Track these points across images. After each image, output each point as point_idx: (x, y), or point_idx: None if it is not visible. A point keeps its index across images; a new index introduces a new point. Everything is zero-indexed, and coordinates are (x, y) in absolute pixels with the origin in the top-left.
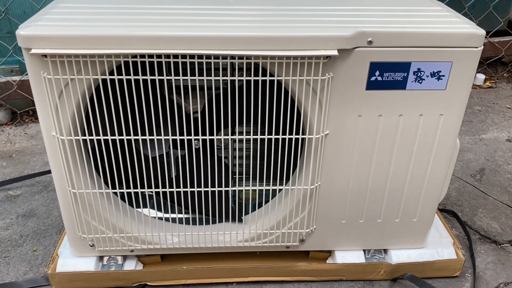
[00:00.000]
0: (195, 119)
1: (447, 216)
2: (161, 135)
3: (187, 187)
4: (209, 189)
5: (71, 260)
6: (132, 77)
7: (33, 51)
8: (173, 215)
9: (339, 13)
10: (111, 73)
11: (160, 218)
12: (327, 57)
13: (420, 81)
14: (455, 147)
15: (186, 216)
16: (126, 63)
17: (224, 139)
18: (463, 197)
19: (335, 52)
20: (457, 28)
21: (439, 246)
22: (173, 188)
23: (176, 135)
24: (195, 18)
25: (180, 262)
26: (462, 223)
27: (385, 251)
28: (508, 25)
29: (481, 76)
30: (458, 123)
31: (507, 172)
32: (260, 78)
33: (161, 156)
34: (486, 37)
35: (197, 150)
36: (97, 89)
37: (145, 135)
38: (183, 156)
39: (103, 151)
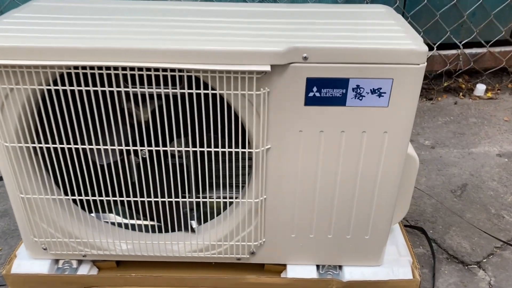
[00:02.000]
0: (141, 129)
1: (418, 233)
2: (108, 144)
3: (137, 196)
4: (152, 199)
5: (27, 261)
6: (67, 87)
7: None
8: (126, 221)
9: (278, 26)
10: (55, 83)
11: (114, 224)
12: (262, 72)
13: (360, 98)
14: (412, 164)
15: (139, 222)
16: (69, 73)
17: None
18: (438, 213)
19: (267, 68)
20: (397, 44)
21: (395, 265)
22: (118, 196)
23: (124, 143)
24: (132, 30)
25: (135, 269)
26: (430, 241)
27: (340, 267)
28: (511, 34)
29: (482, 87)
30: (405, 141)
31: (490, 189)
32: (194, 91)
33: (115, 162)
34: (486, 47)
35: (148, 159)
36: (49, 96)
37: (92, 144)
38: (137, 165)
39: (52, 157)
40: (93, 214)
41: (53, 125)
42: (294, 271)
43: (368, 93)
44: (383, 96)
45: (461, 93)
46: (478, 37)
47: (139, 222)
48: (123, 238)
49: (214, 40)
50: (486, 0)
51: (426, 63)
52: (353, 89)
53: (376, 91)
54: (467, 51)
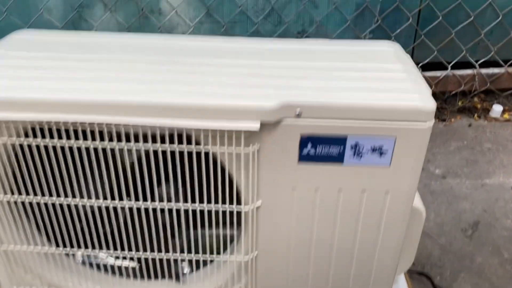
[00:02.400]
0: (119, 181)
1: (424, 279)
2: (85, 197)
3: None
4: (134, 253)
5: None
6: (40, 141)
7: None
8: (107, 261)
9: (270, 73)
10: (28, 134)
11: (90, 264)
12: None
13: (360, 156)
14: (418, 216)
15: (118, 263)
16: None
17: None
18: (446, 256)
19: (256, 126)
20: (401, 100)
21: None
22: (98, 248)
23: (102, 196)
24: (108, 76)
25: None
26: None
27: None
28: None
29: (498, 108)
30: (409, 200)
31: (504, 228)
32: (176, 146)
33: (93, 213)
34: (503, 67)
35: (134, 209)
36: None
37: (68, 195)
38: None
39: (28, 208)
40: (79, 255)
41: (26, 178)
42: None
43: (368, 151)
44: (384, 155)
45: (476, 114)
46: (496, 56)
47: (118, 263)
48: (105, 285)
49: (197, 91)
50: (506, 17)
51: (433, 120)
52: (351, 147)
53: (377, 149)
54: (484, 71)
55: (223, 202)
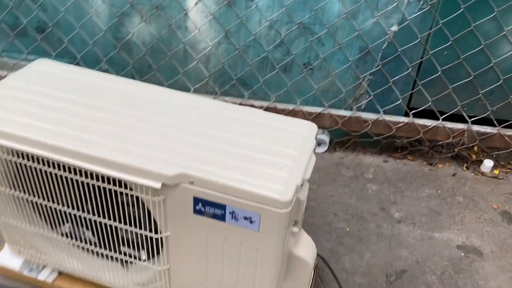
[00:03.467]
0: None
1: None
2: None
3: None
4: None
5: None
6: (21, 161)
7: None
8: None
9: (178, 147)
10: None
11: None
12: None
13: (236, 220)
14: (304, 267)
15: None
16: None
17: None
18: None
19: (158, 185)
20: (266, 189)
21: None
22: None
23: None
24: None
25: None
26: None
27: None
28: None
29: (489, 163)
30: (276, 257)
31: (425, 283)
32: (112, 186)
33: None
34: (496, 127)
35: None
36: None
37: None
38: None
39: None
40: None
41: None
42: None
43: (242, 218)
44: (254, 223)
45: (465, 165)
46: (491, 115)
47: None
48: (79, 259)
49: (119, 150)
50: (508, 81)
51: (290, 209)
52: (229, 213)
53: (248, 218)
54: (476, 128)
55: (145, 229)
